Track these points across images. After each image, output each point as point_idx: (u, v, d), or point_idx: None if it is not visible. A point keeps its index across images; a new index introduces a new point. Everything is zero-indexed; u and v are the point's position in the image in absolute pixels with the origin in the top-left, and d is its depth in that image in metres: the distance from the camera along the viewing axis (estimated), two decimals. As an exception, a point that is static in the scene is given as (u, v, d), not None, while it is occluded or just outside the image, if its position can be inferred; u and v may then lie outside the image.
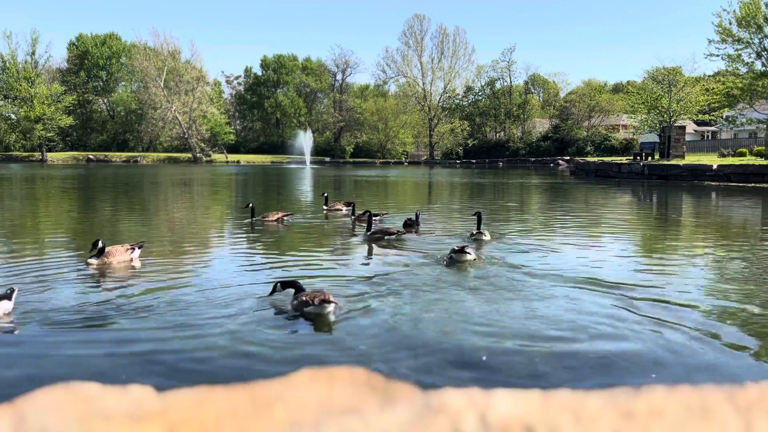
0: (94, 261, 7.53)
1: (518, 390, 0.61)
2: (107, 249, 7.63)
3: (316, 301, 5.26)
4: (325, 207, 14.98)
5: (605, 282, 6.68)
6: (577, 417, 0.57)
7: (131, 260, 7.82)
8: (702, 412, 0.57)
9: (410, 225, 11.50)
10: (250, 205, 12.88)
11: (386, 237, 9.94)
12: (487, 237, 9.99)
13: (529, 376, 3.98)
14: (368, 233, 10.15)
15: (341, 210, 14.78)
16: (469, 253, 7.67)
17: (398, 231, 10.17)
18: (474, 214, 11.03)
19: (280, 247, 9.69)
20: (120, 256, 7.67)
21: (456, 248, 7.79)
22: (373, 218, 11.59)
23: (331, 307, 5.29)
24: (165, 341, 4.65)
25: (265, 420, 0.62)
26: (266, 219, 12.43)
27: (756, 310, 5.57)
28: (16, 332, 4.94)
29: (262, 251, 9.26)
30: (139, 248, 8.02)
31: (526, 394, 0.60)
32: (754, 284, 6.82)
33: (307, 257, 8.72)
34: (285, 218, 12.73)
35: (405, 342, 4.64)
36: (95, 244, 7.60)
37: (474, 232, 10.10)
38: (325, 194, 15.60)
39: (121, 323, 5.14)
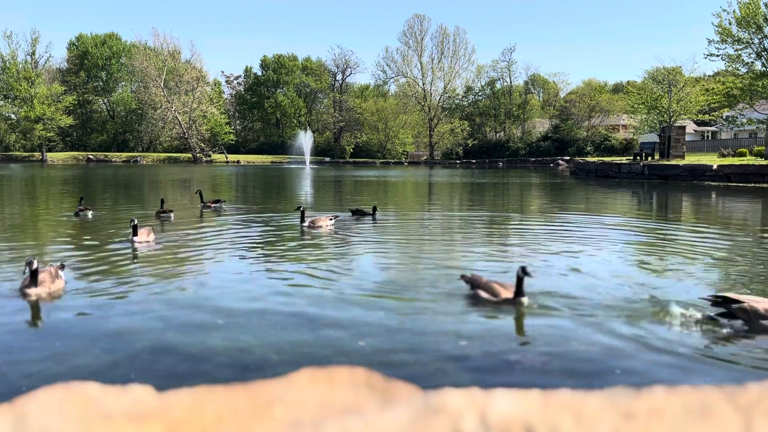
0: (31, 291, 5.82)
1: (518, 390, 0.60)
2: (39, 276, 5.89)
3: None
4: (200, 204, 15.69)
5: (604, 282, 6.68)
6: (577, 417, 0.57)
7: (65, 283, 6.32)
8: (702, 412, 0.57)
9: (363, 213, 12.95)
10: (81, 199, 14.41)
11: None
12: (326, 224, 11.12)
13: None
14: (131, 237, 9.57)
15: (210, 207, 15.46)
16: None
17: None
18: (297, 209, 11.84)
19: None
20: (57, 281, 6.14)
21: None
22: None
23: None
24: (164, 341, 4.65)
25: (265, 420, 0.62)
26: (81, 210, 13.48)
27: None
28: (13, 330, 4.93)
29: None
30: (62, 269, 6.48)
31: (526, 394, 0.60)
32: (757, 284, 6.82)
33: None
34: (83, 211, 13.56)
35: (404, 341, 4.64)
36: (34, 271, 5.82)
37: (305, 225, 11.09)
38: (200, 191, 16.71)
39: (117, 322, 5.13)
